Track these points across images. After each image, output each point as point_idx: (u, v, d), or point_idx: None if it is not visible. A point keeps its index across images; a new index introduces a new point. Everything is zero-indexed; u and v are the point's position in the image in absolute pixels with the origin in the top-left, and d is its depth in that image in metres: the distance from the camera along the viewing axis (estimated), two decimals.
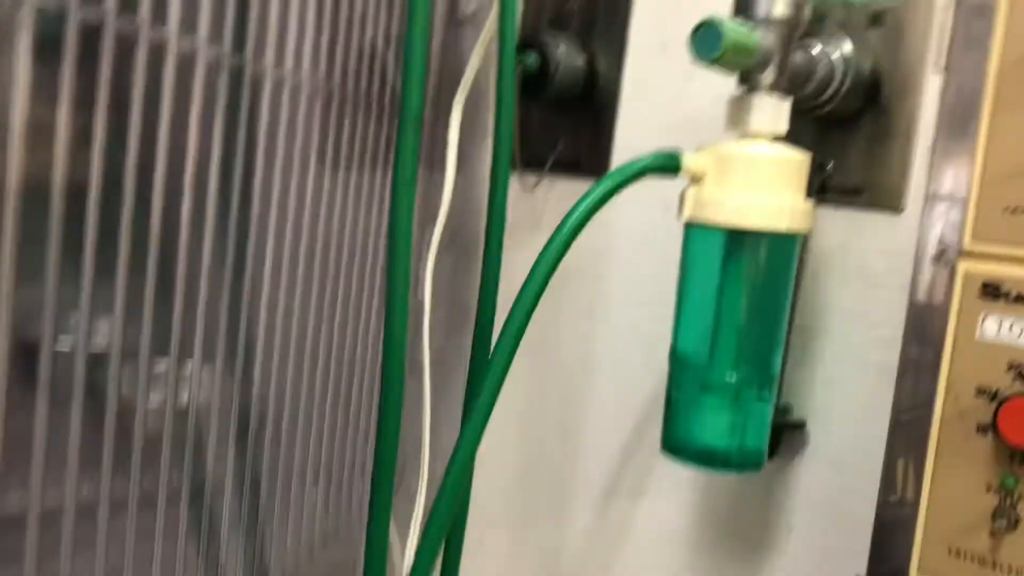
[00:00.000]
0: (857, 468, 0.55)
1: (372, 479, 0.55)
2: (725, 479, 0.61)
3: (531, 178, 0.68)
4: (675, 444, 0.53)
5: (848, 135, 0.55)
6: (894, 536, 0.48)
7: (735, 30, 0.46)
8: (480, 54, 0.62)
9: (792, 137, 0.54)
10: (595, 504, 0.68)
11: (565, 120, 0.67)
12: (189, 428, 0.52)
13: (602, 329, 0.68)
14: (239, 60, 0.50)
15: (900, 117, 0.53)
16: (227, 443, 0.56)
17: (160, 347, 0.49)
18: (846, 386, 0.56)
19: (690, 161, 0.50)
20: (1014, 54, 0.43)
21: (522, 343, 0.71)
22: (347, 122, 0.61)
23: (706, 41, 0.46)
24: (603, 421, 0.68)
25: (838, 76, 0.52)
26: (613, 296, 0.67)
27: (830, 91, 0.52)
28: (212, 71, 0.48)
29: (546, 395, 0.71)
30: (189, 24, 0.46)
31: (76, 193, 0.42)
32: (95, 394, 0.46)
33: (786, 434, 0.57)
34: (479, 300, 0.60)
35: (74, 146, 0.41)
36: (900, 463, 0.48)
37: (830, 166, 0.55)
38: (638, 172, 0.50)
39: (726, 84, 0.50)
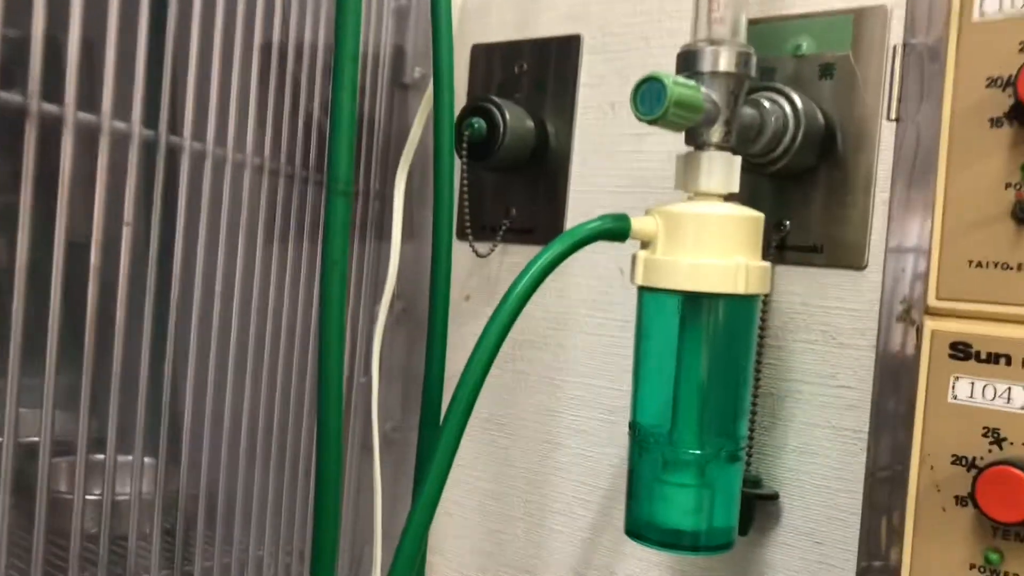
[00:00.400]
0: (835, 539, 0.52)
1: (311, 570, 0.51)
2: (697, 559, 0.57)
3: (485, 246, 0.66)
4: (638, 528, 0.49)
5: (806, 191, 0.52)
6: None
7: (680, 85, 0.44)
8: (422, 121, 0.60)
9: (750, 194, 0.52)
10: None
11: (518, 186, 0.65)
12: (103, 524, 0.48)
13: (563, 401, 0.64)
14: (152, 135, 0.48)
15: (857, 170, 0.51)
16: (151, 540, 0.52)
17: (67, 442, 0.45)
18: (818, 453, 0.52)
19: (639, 224, 0.47)
20: (967, 99, 0.41)
21: (484, 419, 0.68)
22: (281, 193, 0.58)
23: (649, 97, 0.44)
24: (569, 500, 0.64)
25: (790, 130, 0.50)
26: (573, 366, 0.64)
27: (782, 146, 0.50)
28: (119, 145, 0.45)
29: (510, 473, 0.67)
30: (91, 101, 0.44)
31: None
32: None
33: (758, 507, 0.53)
34: (425, 373, 0.57)
35: None
36: (883, 522, 0.45)
37: (787, 224, 0.53)
38: (585, 238, 0.47)
39: (679, 141, 0.48)
